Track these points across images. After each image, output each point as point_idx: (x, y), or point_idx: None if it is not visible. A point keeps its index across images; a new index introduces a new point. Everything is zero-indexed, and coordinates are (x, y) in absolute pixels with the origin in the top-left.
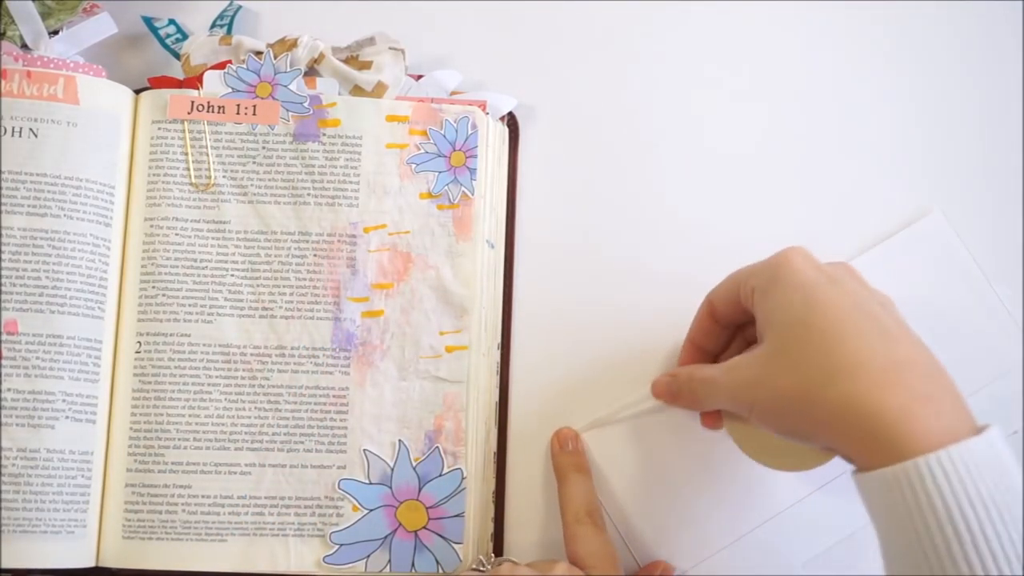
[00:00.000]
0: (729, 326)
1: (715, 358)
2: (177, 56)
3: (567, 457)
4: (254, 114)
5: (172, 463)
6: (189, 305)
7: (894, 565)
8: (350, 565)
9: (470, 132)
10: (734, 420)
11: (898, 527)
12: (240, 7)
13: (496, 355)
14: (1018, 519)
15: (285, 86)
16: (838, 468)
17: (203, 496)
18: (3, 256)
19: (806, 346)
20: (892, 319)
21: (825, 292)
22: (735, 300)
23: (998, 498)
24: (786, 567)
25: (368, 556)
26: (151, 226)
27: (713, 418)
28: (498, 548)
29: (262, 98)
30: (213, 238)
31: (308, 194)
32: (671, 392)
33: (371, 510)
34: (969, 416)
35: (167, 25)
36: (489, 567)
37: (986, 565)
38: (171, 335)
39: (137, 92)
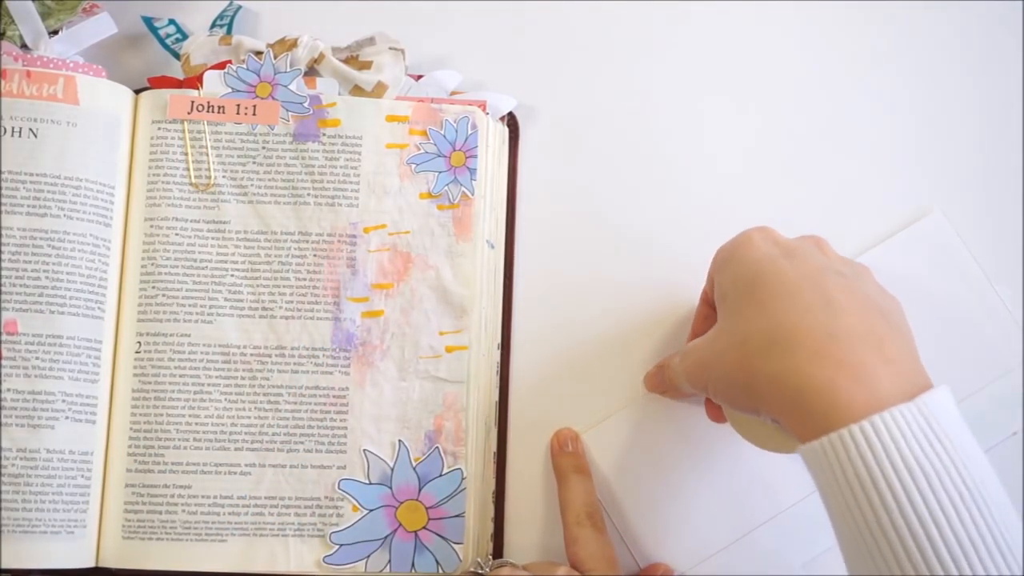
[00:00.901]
0: None
1: None
2: (177, 56)
3: (567, 458)
4: (254, 114)
5: (172, 463)
6: (189, 305)
7: (840, 537)
8: (350, 565)
9: (470, 132)
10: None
11: (833, 499)
12: (240, 7)
13: (496, 355)
14: (955, 485)
15: (285, 86)
16: None
17: (203, 496)
18: (3, 256)
19: (748, 320)
20: (844, 290)
21: (774, 265)
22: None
23: (928, 466)
24: (786, 567)
25: (368, 556)
26: (151, 226)
27: (715, 410)
28: (498, 548)
29: (262, 98)
30: (213, 238)
31: (308, 194)
32: (660, 383)
33: (371, 510)
34: (918, 383)
35: (167, 25)
36: (487, 569)
37: (915, 533)
38: (171, 335)
39: (137, 92)
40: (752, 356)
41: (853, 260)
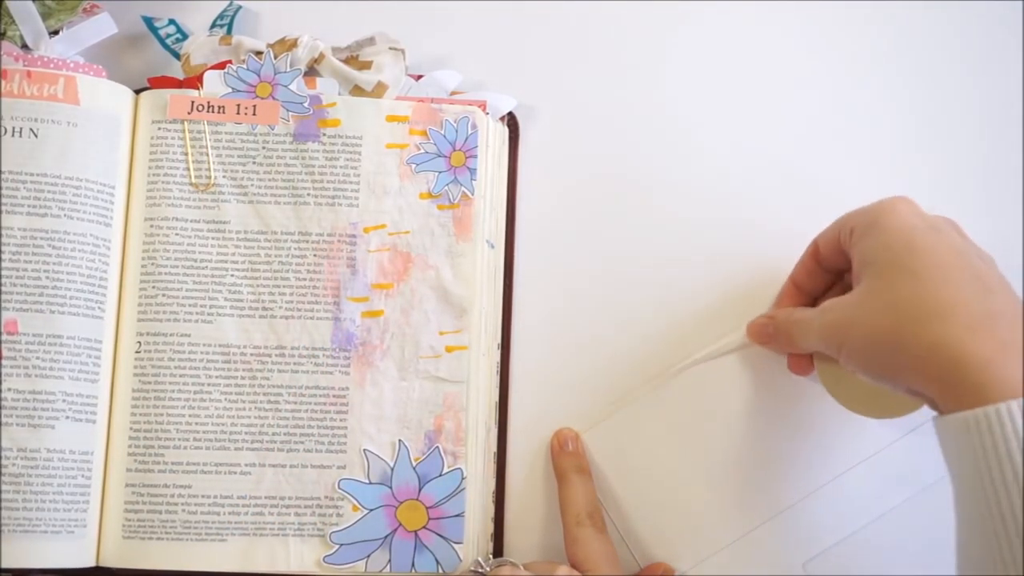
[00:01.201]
0: (831, 270)
1: (814, 301)
2: (177, 56)
3: (567, 458)
4: (254, 114)
5: (172, 463)
6: (189, 305)
7: (964, 513)
8: (350, 565)
9: (470, 132)
10: (826, 365)
11: (971, 472)
12: (240, 7)
13: (496, 355)
14: None
15: (285, 86)
16: (843, 466)
17: (203, 496)
18: (3, 256)
19: (901, 288)
20: (990, 272)
21: (925, 237)
22: (836, 242)
23: None
24: (786, 567)
25: (368, 556)
26: (151, 226)
27: (802, 363)
28: (498, 548)
29: (262, 98)
30: (213, 238)
31: (308, 194)
32: (766, 334)
33: (371, 510)
34: None
35: (167, 25)
36: (488, 568)
37: None
38: (171, 335)
39: (137, 92)
40: (907, 323)
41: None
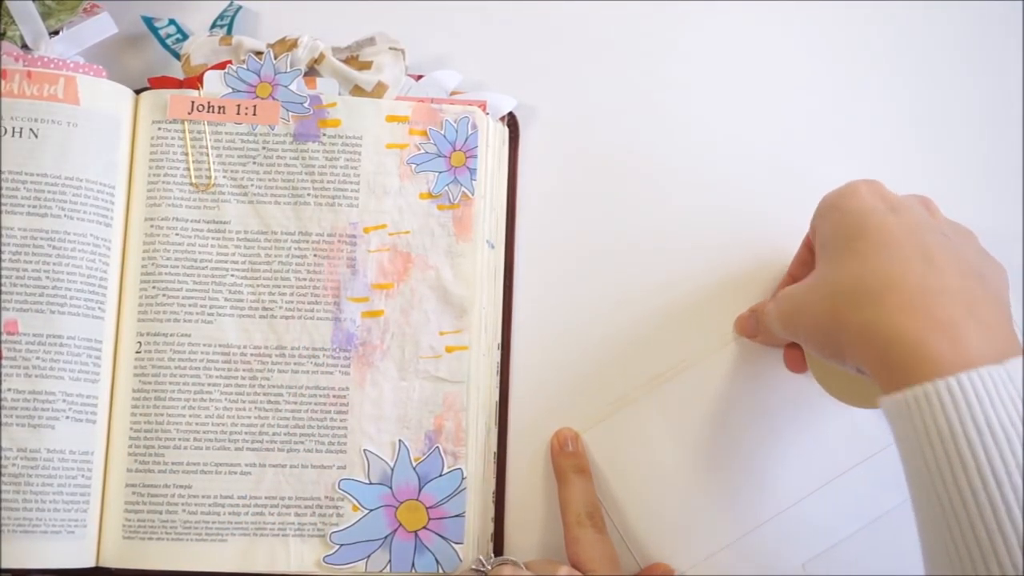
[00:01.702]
0: None
1: None
2: (177, 56)
3: (567, 458)
4: (254, 114)
5: (172, 463)
6: (189, 305)
7: (914, 496)
8: (350, 565)
9: (470, 132)
10: (815, 358)
11: (911, 454)
12: (240, 7)
13: (496, 355)
14: None
15: (285, 86)
16: (843, 466)
17: (203, 496)
18: (3, 256)
19: (844, 269)
20: (945, 249)
21: (878, 218)
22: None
23: (1011, 429)
24: (785, 567)
25: (368, 556)
26: (151, 226)
27: (795, 358)
28: (498, 548)
29: (262, 98)
30: (213, 238)
31: (308, 194)
32: (751, 326)
33: (371, 510)
34: (1009, 349)
35: (167, 25)
36: (489, 567)
37: (991, 495)
38: (171, 335)
39: (137, 92)
40: (843, 305)
41: (959, 223)
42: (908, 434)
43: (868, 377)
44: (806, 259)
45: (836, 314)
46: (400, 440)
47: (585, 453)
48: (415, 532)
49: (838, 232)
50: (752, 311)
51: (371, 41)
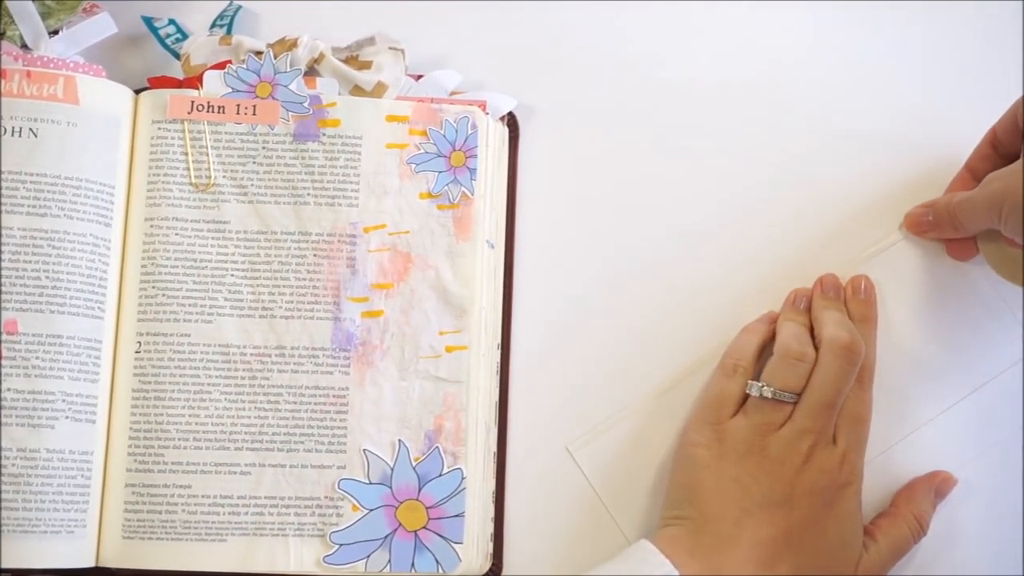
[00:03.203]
0: (1007, 155)
1: (1005, 163)
2: (177, 56)
3: (856, 305)
4: (254, 114)
5: (172, 463)
6: (189, 305)
7: None
8: (350, 565)
9: (470, 132)
10: (988, 243)
11: None
12: (240, 7)
13: (496, 355)
14: None
15: (285, 86)
16: None
17: (203, 496)
18: (3, 256)
19: None
20: None
21: None
22: (1014, 123)
23: None
24: None
25: (368, 556)
26: (151, 226)
27: (964, 248)
28: (498, 548)
29: (262, 98)
30: (213, 238)
31: (308, 194)
32: (925, 223)
33: (371, 510)
34: None
35: (167, 25)
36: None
37: None
38: (171, 335)
39: (137, 92)
40: None
41: None
42: None
43: None
44: (988, 155)
45: None
46: (400, 440)
47: (876, 304)
48: (415, 532)
49: None
50: (928, 206)
51: (371, 41)
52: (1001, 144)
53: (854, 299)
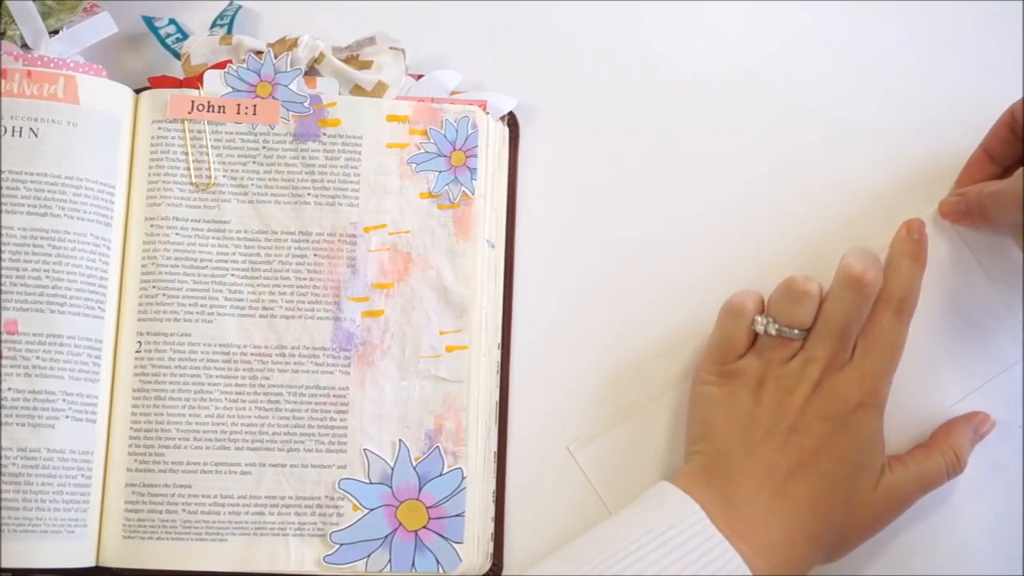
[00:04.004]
0: None
1: (1003, 172)
2: (177, 56)
3: (909, 243)
4: (254, 114)
5: (172, 463)
6: (189, 305)
7: None
8: (350, 565)
9: (470, 132)
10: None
11: None
12: (240, 7)
13: (496, 355)
14: None
15: (285, 86)
16: None
17: (203, 496)
18: (3, 256)
19: None
20: None
21: None
22: None
23: None
24: None
25: (368, 556)
26: (151, 226)
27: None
28: (498, 548)
29: (262, 98)
30: (213, 238)
31: (308, 194)
32: (959, 211)
33: (371, 510)
34: None
35: (167, 25)
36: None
37: None
38: (171, 335)
39: (137, 92)
40: None
41: None
42: None
43: None
44: (1007, 139)
45: None
46: (400, 440)
47: (927, 245)
48: (415, 532)
49: None
50: (961, 195)
51: (371, 41)
52: (1021, 125)
53: (907, 238)
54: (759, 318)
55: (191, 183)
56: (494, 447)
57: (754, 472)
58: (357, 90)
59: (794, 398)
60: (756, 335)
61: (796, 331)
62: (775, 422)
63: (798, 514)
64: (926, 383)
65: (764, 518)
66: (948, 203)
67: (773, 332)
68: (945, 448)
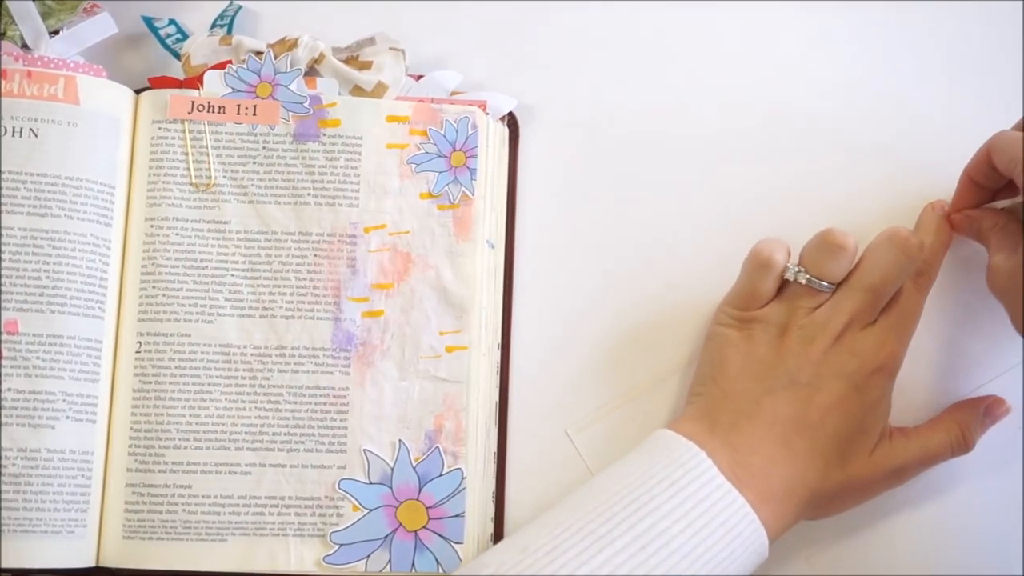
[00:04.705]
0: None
1: (992, 195)
2: (177, 56)
3: (932, 219)
4: (254, 114)
5: (172, 463)
6: (189, 305)
7: None
8: (350, 565)
9: (470, 132)
10: None
11: None
12: (240, 7)
13: (496, 355)
14: None
15: (285, 86)
16: None
17: (203, 496)
18: (3, 256)
19: None
20: None
21: None
22: (988, 161)
23: None
24: (787, 564)
25: (368, 556)
26: (151, 226)
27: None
28: None
29: (262, 98)
30: (213, 238)
31: (308, 194)
32: (972, 231)
33: (371, 510)
34: None
35: (167, 25)
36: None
37: None
38: (171, 335)
39: (137, 92)
40: None
41: None
42: None
43: None
44: (969, 186)
45: None
46: (400, 440)
47: (949, 225)
48: (415, 532)
49: None
50: (971, 218)
51: (371, 41)
52: (996, 161)
53: (931, 214)
54: (790, 266)
55: (191, 183)
56: (494, 447)
57: (761, 420)
58: (357, 91)
59: (813, 349)
60: (782, 285)
61: (825, 284)
62: (790, 373)
63: (798, 467)
64: (926, 384)
65: (766, 467)
66: (960, 219)
67: (803, 281)
68: (951, 424)
